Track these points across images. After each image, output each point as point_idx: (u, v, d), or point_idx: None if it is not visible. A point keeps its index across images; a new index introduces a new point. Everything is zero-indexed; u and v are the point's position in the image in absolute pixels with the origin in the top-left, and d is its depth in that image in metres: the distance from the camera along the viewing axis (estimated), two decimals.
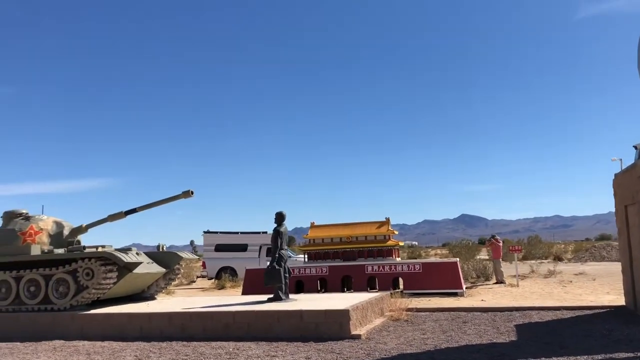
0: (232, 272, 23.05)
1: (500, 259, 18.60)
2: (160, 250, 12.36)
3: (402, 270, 15.76)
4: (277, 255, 10.58)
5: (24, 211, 11.96)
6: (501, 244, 19.39)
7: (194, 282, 25.86)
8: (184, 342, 8.60)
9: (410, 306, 11.18)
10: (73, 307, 10.34)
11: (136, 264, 10.64)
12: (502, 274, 17.95)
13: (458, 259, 16.49)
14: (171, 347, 8.30)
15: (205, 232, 24.16)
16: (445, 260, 16.68)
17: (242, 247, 23.56)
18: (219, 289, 20.52)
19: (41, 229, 11.59)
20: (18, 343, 9.15)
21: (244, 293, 16.30)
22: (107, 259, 10.26)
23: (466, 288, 15.60)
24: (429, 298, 14.08)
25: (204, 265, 24.60)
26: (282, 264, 10.61)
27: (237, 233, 24.08)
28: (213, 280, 23.31)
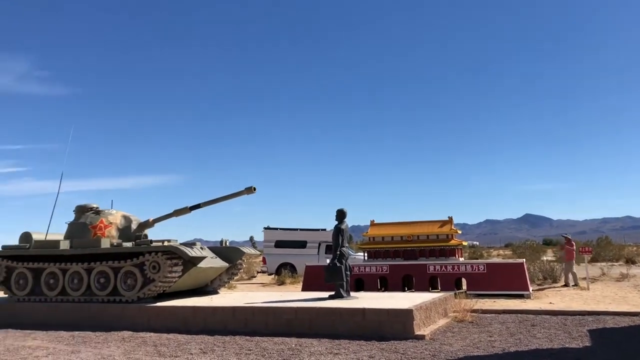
0: (292, 268, 23.20)
1: (573, 261, 17.75)
2: (223, 245, 12.54)
3: (466, 270, 15.36)
4: (338, 253, 10.51)
5: (94, 205, 12.42)
6: (574, 247, 18.49)
7: (254, 277, 26.20)
8: (247, 337, 8.65)
9: (475, 307, 10.85)
10: (140, 299, 10.64)
11: (200, 258, 10.83)
12: (575, 277, 17.15)
13: (524, 260, 15.93)
14: (234, 341, 8.37)
15: (265, 228, 24.42)
16: (511, 260, 16.16)
17: (302, 244, 23.67)
18: (279, 285, 20.67)
19: (110, 223, 11.99)
20: (90, 332, 9.47)
21: (304, 289, 16.33)
22: (172, 253, 10.48)
23: (532, 290, 15.04)
24: (494, 299, 13.65)
25: (264, 260, 24.88)
26: (344, 262, 10.53)
27: (296, 230, 24.21)
28: (273, 275, 23.53)
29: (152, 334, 9.25)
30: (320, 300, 10.11)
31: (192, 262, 10.74)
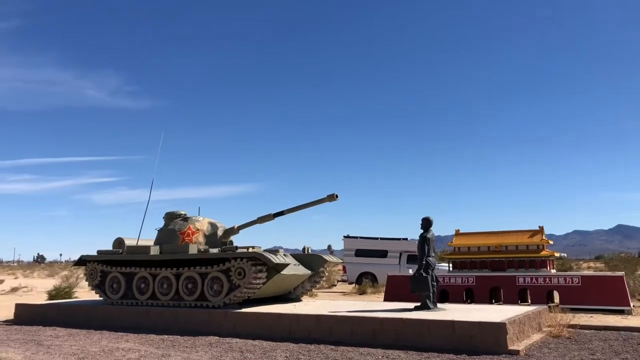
0: (372, 277, 22.93)
1: None
2: (306, 252, 12.51)
3: (558, 283, 14.53)
4: (424, 262, 10.18)
5: (182, 212, 12.76)
6: None
7: (335, 285, 26.13)
8: (332, 346, 8.52)
9: (572, 322, 10.16)
10: (226, 305, 10.77)
11: (284, 265, 10.84)
12: None
13: (624, 273, 14.86)
14: (319, 350, 8.26)
15: (345, 237, 24.31)
16: (609, 273, 15.13)
17: (382, 253, 23.36)
18: (360, 294, 20.47)
19: (198, 229, 12.27)
20: (178, 336, 9.68)
21: (386, 299, 16.04)
22: (257, 259, 10.55)
23: (634, 306, 13.98)
24: (590, 315, 12.78)
25: (344, 269, 24.76)
26: (430, 272, 10.19)
27: (377, 239, 23.93)
28: (353, 285, 23.35)
29: (237, 339, 9.31)
30: (406, 311, 9.83)
31: (276, 268, 10.77)
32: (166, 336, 9.72)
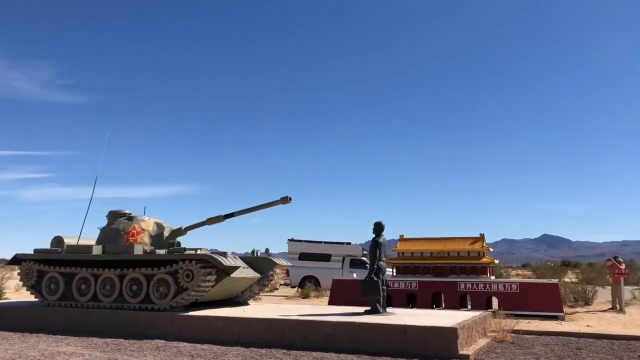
0: (315, 281, 22.94)
1: (621, 283, 16.95)
2: (255, 255, 12.36)
3: (498, 289, 14.98)
4: (375, 267, 10.26)
5: (127, 211, 12.32)
6: (623, 267, 17.55)
7: (277, 289, 25.96)
8: (284, 350, 8.42)
9: (515, 328, 10.50)
10: (172, 308, 10.46)
11: (234, 268, 10.64)
12: (621, 301, 16.48)
13: (558, 280, 15.53)
14: (272, 354, 8.15)
15: (289, 240, 24.21)
16: (545, 281, 15.77)
17: (326, 257, 23.40)
18: (303, 298, 20.41)
19: (143, 229, 11.87)
20: (122, 340, 9.31)
21: (331, 303, 16.06)
22: (206, 262, 10.31)
23: (565, 312, 14.62)
24: (528, 320, 13.26)
25: (287, 273, 24.65)
26: (381, 276, 10.28)
27: (320, 242, 23.97)
28: (296, 288, 23.28)
29: (185, 343, 9.05)
30: (357, 315, 9.85)
31: (225, 271, 10.56)
32: (110, 339, 9.33)
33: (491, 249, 16.44)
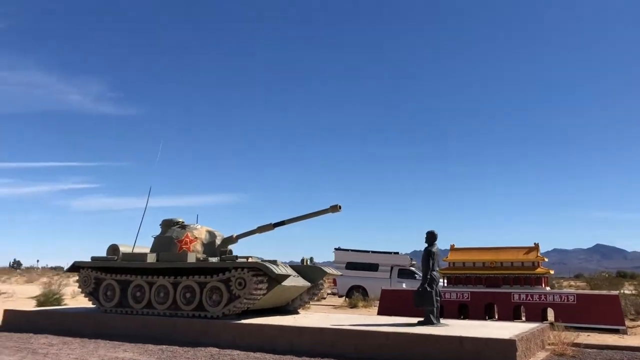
0: (363, 291, 22.79)
1: None
2: (305, 264, 12.35)
3: (554, 300, 14.54)
4: (428, 277, 10.08)
5: (180, 220, 12.53)
6: None
7: (324, 298, 25.89)
8: None
9: (575, 341, 10.12)
10: (225, 316, 10.55)
11: (285, 276, 10.66)
12: None
13: (618, 292, 14.92)
14: None
15: (336, 249, 24.16)
16: (605, 292, 15.17)
17: (374, 267, 23.24)
18: (351, 308, 20.29)
19: (196, 238, 12.05)
20: (177, 347, 9.42)
21: (380, 313, 15.91)
22: (258, 270, 10.36)
23: (627, 326, 14.01)
24: (587, 333, 12.76)
25: (334, 282, 24.58)
26: (434, 286, 10.09)
27: (368, 252, 23.83)
28: (344, 298, 23.18)
29: (238, 352, 9.10)
30: (410, 326, 9.70)
31: (277, 279, 10.58)
32: (164, 346, 9.47)
33: (546, 259, 15.99)
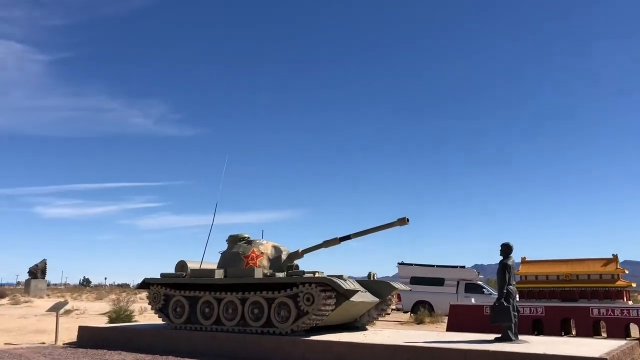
0: (429, 306, 22.20)
1: None
2: (372, 279, 12.09)
3: (637, 315, 13.64)
4: (505, 291, 9.60)
5: (246, 235, 12.54)
6: None
7: (389, 314, 25.39)
8: None
9: None
10: (293, 332, 10.40)
11: (354, 292, 10.42)
12: None
13: None
14: None
15: (400, 264, 23.72)
16: None
17: (439, 281, 22.63)
18: (417, 323, 19.78)
19: (262, 253, 12.00)
20: None
21: (449, 329, 15.39)
22: (326, 285, 10.18)
23: None
24: None
25: (399, 297, 24.07)
26: (511, 301, 9.60)
27: (433, 266, 23.25)
28: (409, 313, 22.66)
29: None
30: (486, 342, 9.25)
31: (345, 295, 10.36)
32: None
33: (626, 271, 15.07)
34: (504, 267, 9.76)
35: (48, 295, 53.30)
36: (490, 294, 21.67)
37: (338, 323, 11.54)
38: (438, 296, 21.89)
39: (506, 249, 9.92)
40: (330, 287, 10.18)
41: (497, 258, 10.04)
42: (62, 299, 46.46)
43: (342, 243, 11.90)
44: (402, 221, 11.02)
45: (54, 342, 12.61)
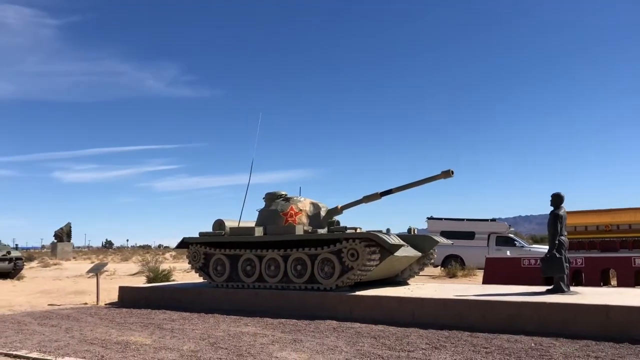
0: (459, 260, 22.10)
1: None
2: (412, 233, 11.91)
3: None
4: (556, 242, 9.37)
5: (283, 193, 12.37)
6: None
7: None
8: (468, 332, 7.89)
9: None
10: (338, 288, 10.32)
11: (398, 246, 10.25)
12: None
13: None
14: (457, 337, 7.64)
15: (429, 218, 23.53)
16: None
17: (469, 235, 22.44)
18: (450, 277, 19.72)
19: (300, 210, 11.85)
20: (295, 320, 9.27)
21: (485, 282, 15.28)
22: (370, 240, 10.02)
23: None
24: None
25: None
26: (563, 252, 9.37)
27: (463, 220, 23.03)
28: (439, 267, 22.61)
29: (359, 324, 8.81)
30: (539, 294, 9.07)
31: (389, 250, 10.21)
32: (283, 320, 9.34)
33: None
34: (555, 218, 9.51)
35: (74, 257, 54.43)
36: (522, 246, 21.48)
37: (380, 278, 11.44)
38: (469, 250, 21.75)
39: (557, 199, 9.64)
40: (374, 242, 10.03)
41: (545, 210, 9.78)
42: (88, 261, 47.41)
43: (382, 198, 11.71)
44: (447, 174, 10.75)
45: (95, 303, 12.70)
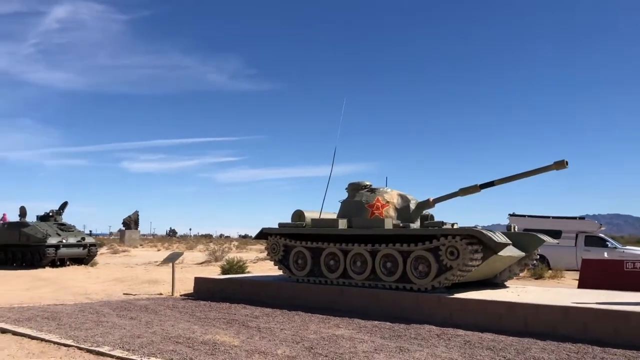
0: (545, 260, 20.58)
1: None
2: (512, 230, 10.78)
3: None
4: None
5: (368, 183, 11.50)
6: None
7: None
8: (598, 348, 6.77)
9: None
10: (434, 289, 9.34)
11: (504, 245, 9.17)
12: None
13: None
14: (586, 351, 6.55)
15: (511, 215, 22.03)
16: None
17: (556, 234, 20.82)
18: (536, 279, 18.31)
19: (387, 202, 10.95)
20: (389, 323, 8.38)
21: (581, 286, 13.89)
22: (473, 237, 8.99)
23: None
24: None
25: None
26: None
27: (548, 217, 21.45)
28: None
29: (464, 331, 7.82)
30: None
31: (494, 249, 9.14)
32: (376, 322, 8.47)
33: None
34: None
35: (141, 244, 55.56)
36: (615, 247, 19.77)
37: (477, 279, 10.38)
38: (555, 249, 20.18)
39: None
40: (476, 239, 8.99)
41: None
42: (154, 249, 48.16)
43: (482, 191, 10.65)
44: (560, 164, 9.57)
45: (171, 294, 12.25)
